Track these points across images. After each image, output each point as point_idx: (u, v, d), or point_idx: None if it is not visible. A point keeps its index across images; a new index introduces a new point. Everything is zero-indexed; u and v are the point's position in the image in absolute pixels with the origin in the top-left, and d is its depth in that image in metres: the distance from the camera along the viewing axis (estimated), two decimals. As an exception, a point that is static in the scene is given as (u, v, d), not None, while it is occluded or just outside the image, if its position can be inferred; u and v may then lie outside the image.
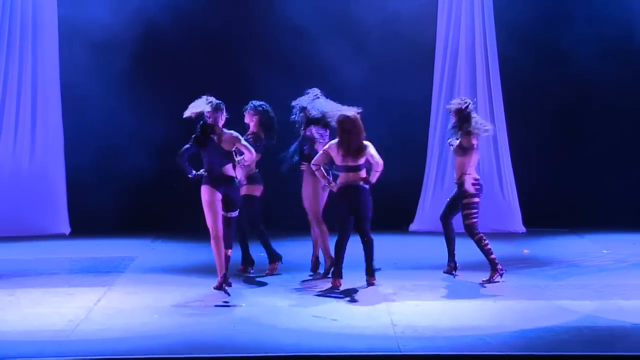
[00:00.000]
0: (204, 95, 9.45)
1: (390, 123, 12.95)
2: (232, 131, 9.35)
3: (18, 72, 12.82)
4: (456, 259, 10.08)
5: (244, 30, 13.22)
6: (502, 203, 13.00)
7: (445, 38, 13.07)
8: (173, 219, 12.95)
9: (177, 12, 12.95)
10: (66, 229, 12.90)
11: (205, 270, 10.20)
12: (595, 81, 13.15)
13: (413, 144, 13.18)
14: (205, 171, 9.29)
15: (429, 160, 13.13)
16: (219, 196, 9.24)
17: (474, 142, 9.73)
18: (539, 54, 13.23)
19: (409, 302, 8.90)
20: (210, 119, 9.27)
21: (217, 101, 9.36)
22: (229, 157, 9.27)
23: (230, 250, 9.46)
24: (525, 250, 11.61)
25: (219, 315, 8.47)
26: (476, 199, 9.78)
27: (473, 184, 9.77)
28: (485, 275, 9.88)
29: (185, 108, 12.77)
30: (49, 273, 10.32)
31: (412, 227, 13.10)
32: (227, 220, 9.34)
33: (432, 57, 13.13)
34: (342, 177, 9.49)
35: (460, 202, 9.84)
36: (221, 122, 9.32)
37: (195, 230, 12.53)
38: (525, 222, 13.02)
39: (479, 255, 11.27)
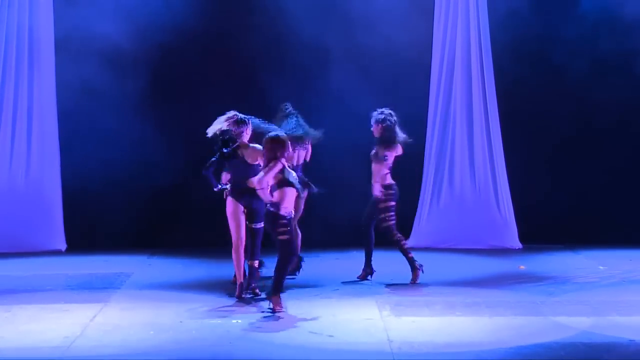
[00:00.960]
0: (231, 111, 9.75)
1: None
2: (257, 145, 9.61)
3: (14, 88, 12.80)
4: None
5: (247, 40, 13.18)
6: (498, 219, 13.00)
7: (442, 54, 13.08)
8: (169, 235, 12.94)
9: (172, 23, 12.87)
10: (62, 245, 12.88)
11: (202, 286, 10.19)
12: (593, 97, 13.17)
13: (408, 160, 13.15)
14: (229, 184, 9.74)
15: (425, 176, 13.13)
16: (241, 208, 9.65)
17: (387, 153, 10.55)
18: (536, 70, 13.23)
19: (406, 318, 8.90)
20: (235, 133, 9.63)
21: (242, 116, 9.71)
22: (253, 170, 9.51)
23: (257, 262, 9.76)
24: (522, 266, 11.61)
25: (216, 331, 8.46)
26: (391, 203, 10.59)
27: (383, 191, 10.48)
28: (481, 291, 9.90)
29: (183, 123, 12.97)
30: (45, 289, 10.30)
31: (409, 243, 13.04)
32: (252, 232, 9.69)
33: (428, 72, 13.14)
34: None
35: (376, 208, 10.58)
36: (246, 137, 9.67)
37: (191, 247, 12.54)
38: (522, 238, 13.02)
39: (476, 272, 11.30)
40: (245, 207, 9.65)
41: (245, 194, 9.56)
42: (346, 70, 12.98)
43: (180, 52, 13.08)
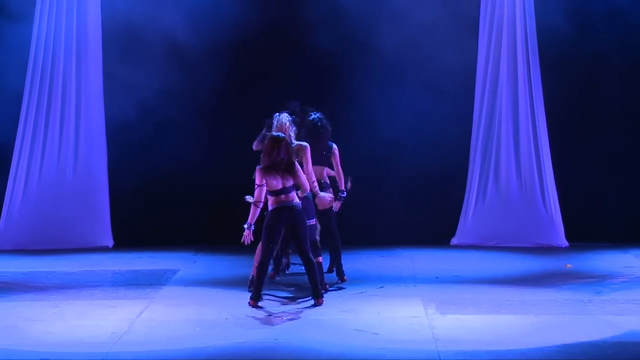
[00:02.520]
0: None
1: (431, 134, 12.95)
2: (301, 142, 9.73)
3: (62, 85, 12.92)
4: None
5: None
6: (545, 217, 12.90)
7: (487, 49, 12.97)
8: (215, 231, 13.00)
9: (221, 15, 12.83)
10: (109, 242, 13.00)
11: (247, 282, 10.22)
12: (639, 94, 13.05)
13: (454, 157, 13.12)
14: None
15: (470, 173, 13.06)
16: None
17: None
18: (583, 63, 13.07)
19: (451, 316, 8.86)
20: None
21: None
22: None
23: (320, 258, 9.78)
24: (568, 265, 11.52)
25: (261, 328, 8.49)
26: None
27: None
28: (527, 290, 9.87)
29: (229, 121, 13.00)
30: (93, 285, 10.41)
31: (454, 241, 13.04)
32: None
33: (474, 68, 13.05)
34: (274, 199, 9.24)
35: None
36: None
37: (236, 243, 12.56)
38: (568, 236, 12.90)
39: (522, 270, 11.23)
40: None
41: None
42: (391, 63, 12.97)
43: (229, 47, 13.00)
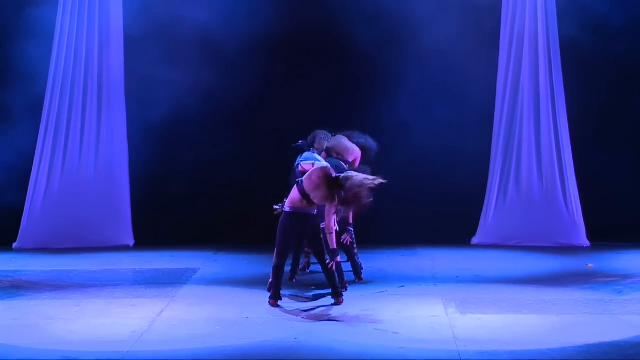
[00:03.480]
0: None
1: (453, 132, 12.92)
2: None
3: (84, 82, 12.95)
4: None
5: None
6: (566, 216, 12.85)
7: (509, 44, 12.93)
8: (235, 231, 13.02)
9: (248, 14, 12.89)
10: (130, 241, 13.04)
11: (267, 282, 10.22)
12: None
13: (475, 156, 13.08)
14: None
15: (491, 172, 13.02)
16: None
17: None
18: (605, 61, 13.01)
19: (471, 315, 8.84)
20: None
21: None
22: None
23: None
24: (590, 265, 11.47)
25: (281, 327, 8.50)
26: None
27: None
28: (548, 290, 9.82)
29: (250, 121, 13.03)
30: (113, 284, 10.45)
31: (475, 240, 13.00)
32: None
33: (495, 67, 13.02)
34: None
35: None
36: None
37: (257, 243, 12.61)
38: (590, 236, 12.84)
39: (543, 269, 11.19)
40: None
41: None
42: (415, 67, 12.97)
43: (263, 45, 12.96)
